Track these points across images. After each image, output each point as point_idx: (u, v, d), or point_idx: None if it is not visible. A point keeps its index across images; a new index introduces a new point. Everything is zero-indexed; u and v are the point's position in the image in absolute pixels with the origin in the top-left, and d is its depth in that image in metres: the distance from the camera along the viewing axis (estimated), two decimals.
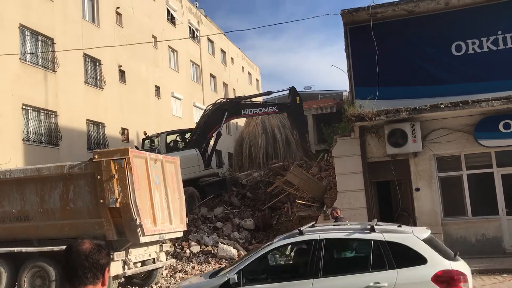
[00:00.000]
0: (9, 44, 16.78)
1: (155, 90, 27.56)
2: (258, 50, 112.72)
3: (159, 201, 11.03)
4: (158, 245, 11.47)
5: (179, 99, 30.45)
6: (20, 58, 17.36)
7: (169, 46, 29.69)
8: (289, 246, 7.11)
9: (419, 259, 5.91)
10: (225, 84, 39.46)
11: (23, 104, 17.33)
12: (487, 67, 13.31)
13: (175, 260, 12.92)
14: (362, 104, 13.38)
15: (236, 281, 6.27)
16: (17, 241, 10.71)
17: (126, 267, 10.40)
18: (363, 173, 13.55)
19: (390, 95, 13.34)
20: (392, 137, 13.00)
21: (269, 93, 22.71)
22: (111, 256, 1.88)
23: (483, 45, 13.36)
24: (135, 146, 21.04)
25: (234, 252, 13.27)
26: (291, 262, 7.40)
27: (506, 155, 12.73)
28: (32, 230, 10.70)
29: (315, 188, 14.66)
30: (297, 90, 21.76)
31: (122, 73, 24.10)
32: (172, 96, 29.51)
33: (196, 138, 19.87)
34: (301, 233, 6.51)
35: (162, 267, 11.87)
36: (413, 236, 6.14)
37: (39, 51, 18.52)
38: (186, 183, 16.71)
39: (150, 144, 20.53)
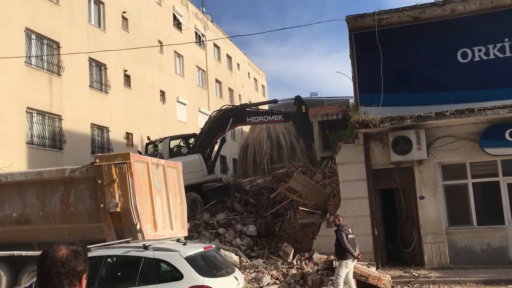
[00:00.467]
0: (14, 48, 16.82)
1: (160, 95, 27.57)
2: (264, 57, 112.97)
3: (160, 206, 10.93)
4: None
5: (184, 104, 30.44)
6: (25, 62, 17.40)
7: (175, 51, 29.74)
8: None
9: (178, 276, 6.73)
10: (230, 90, 39.44)
11: (28, 108, 17.35)
12: (493, 75, 13.17)
13: None
14: (367, 111, 13.28)
15: None
16: (17, 245, 10.66)
17: None
18: (367, 180, 13.43)
19: (394, 102, 13.23)
20: (397, 145, 12.88)
21: (274, 101, 22.63)
22: (88, 263, 1.82)
23: (489, 52, 13.23)
24: (138, 151, 21.00)
25: (235, 258, 13.13)
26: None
27: None
28: (32, 233, 10.65)
29: (318, 195, 14.53)
30: (303, 97, 21.64)
31: (127, 78, 24.12)
32: (177, 101, 29.51)
33: (200, 144, 19.80)
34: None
35: None
36: (177, 255, 6.91)
37: (45, 55, 18.55)
38: (189, 188, 16.65)
39: (153, 148, 20.50)
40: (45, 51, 18.70)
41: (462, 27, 13.55)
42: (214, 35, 36.36)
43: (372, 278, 10.51)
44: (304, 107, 20.76)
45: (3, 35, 16.52)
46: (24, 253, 10.44)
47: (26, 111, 17.31)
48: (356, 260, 9.85)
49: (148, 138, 21.44)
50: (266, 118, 21.05)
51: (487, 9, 13.25)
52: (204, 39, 34.55)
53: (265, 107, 26.87)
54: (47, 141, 18.24)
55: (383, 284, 10.48)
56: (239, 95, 40.65)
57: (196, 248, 7.41)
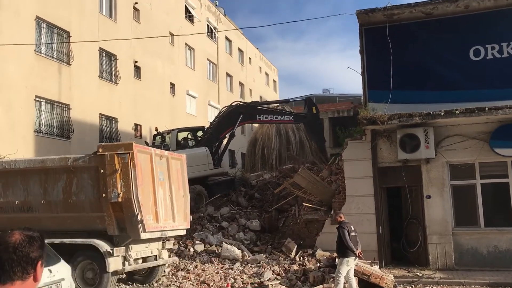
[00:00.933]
0: (24, 36, 16.85)
1: (170, 87, 27.53)
2: (278, 51, 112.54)
3: (163, 197, 10.87)
4: (160, 242, 11.32)
5: (194, 97, 30.38)
6: (35, 50, 17.44)
7: (186, 44, 29.66)
8: None
9: None
10: (241, 84, 39.30)
11: (36, 96, 17.41)
12: (506, 74, 12.87)
13: (177, 258, 12.75)
14: (375, 107, 13.08)
15: None
16: None
17: (126, 263, 10.26)
18: (373, 178, 13.24)
19: (403, 99, 13.01)
20: (405, 142, 12.66)
21: (286, 101, 22.46)
22: (45, 249, 1.76)
23: (503, 50, 12.93)
24: (145, 142, 21.00)
25: (238, 252, 13.06)
26: None
27: None
28: (34, 221, 10.61)
29: (323, 192, 14.37)
30: (315, 94, 21.46)
31: (137, 69, 24.11)
32: (187, 94, 29.46)
33: (208, 137, 19.72)
34: None
35: (164, 264, 11.72)
36: None
37: (55, 42, 18.57)
38: (195, 181, 16.60)
39: (161, 140, 20.47)
40: (55, 40, 18.72)
41: (476, 24, 13.25)
42: (226, 29, 36.21)
43: (374, 277, 10.35)
44: (315, 108, 20.57)
45: (13, 23, 16.56)
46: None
47: (35, 100, 17.36)
48: (357, 258, 9.71)
49: (156, 129, 21.43)
50: (276, 118, 20.90)
51: (502, 6, 12.94)
52: (216, 32, 34.41)
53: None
54: (55, 130, 18.30)
55: (385, 283, 10.31)
56: (250, 89, 40.48)
57: None
